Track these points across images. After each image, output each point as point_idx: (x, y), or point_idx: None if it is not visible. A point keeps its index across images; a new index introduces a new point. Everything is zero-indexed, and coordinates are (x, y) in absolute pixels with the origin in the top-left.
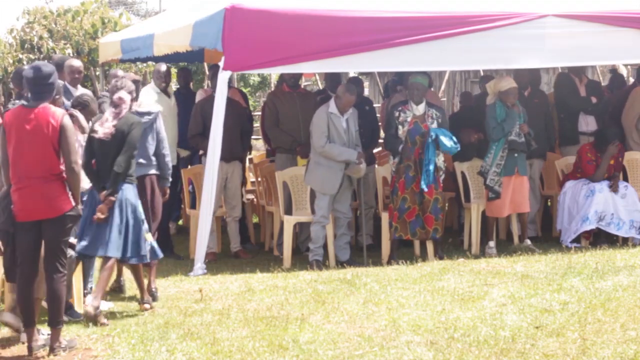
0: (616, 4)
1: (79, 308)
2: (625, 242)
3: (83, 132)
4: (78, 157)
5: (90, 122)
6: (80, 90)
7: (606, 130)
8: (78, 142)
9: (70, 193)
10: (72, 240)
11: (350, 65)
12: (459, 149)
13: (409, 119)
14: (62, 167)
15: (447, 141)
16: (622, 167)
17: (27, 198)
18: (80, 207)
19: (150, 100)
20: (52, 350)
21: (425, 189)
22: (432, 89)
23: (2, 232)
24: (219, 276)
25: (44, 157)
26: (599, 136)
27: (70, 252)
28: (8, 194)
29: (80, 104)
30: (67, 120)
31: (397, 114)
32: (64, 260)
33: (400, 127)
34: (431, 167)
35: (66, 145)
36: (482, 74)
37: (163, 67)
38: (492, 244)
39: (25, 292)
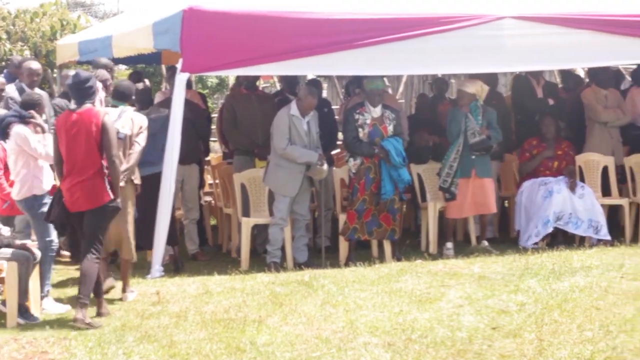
0: (575, 6)
1: (35, 311)
2: (582, 243)
3: (43, 131)
4: (119, 152)
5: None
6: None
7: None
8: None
9: (109, 186)
10: (31, 242)
11: (309, 67)
12: (404, 165)
13: (368, 122)
14: (104, 162)
15: (396, 156)
16: (579, 168)
17: (75, 192)
18: (119, 200)
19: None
20: (84, 323)
21: (385, 198)
22: (390, 91)
23: (57, 222)
24: (177, 278)
25: (88, 154)
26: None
27: (28, 254)
28: (60, 189)
29: (33, 104)
30: (108, 119)
31: (356, 116)
32: (99, 245)
33: (360, 129)
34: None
35: (107, 141)
36: (439, 76)
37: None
38: (449, 245)
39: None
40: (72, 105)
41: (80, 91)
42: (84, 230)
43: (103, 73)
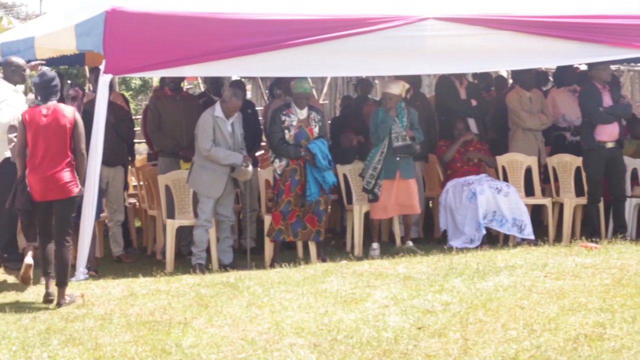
0: (499, 7)
1: None
2: (505, 242)
3: None
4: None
5: None
6: None
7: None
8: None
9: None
10: None
11: (232, 69)
12: (330, 168)
13: (294, 123)
14: (71, 155)
15: (322, 160)
16: (503, 169)
17: (48, 183)
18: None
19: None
20: (58, 304)
21: (310, 200)
22: (315, 92)
23: (22, 210)
24: (101, 281)
25: (61, 147)
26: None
27: None
28: (23, 179)
29: None
30: (78, 115)
31: (282, 118)
32: (70, 232)
33: (286, 131)
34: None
35: (78, 135)
36: (363, 77)
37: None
38: (375, 245)
39: (46, 249)
40: (38, 101)
41: (47, 89)
42: (56, 220)
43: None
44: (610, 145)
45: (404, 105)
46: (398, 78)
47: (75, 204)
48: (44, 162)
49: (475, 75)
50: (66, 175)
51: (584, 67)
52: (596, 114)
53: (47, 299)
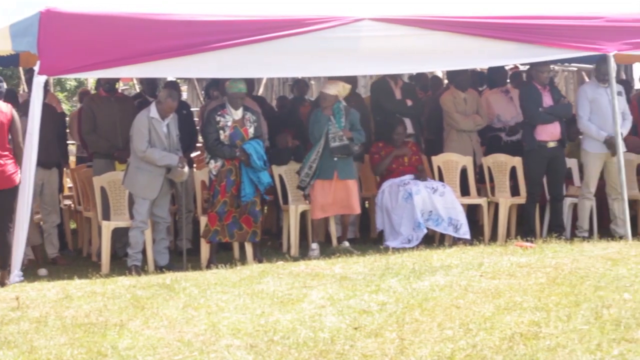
0: (434, 8)
1: None
2: (441, 242)
3: None
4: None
5: None
6: None
7: (394, 128)
8: None
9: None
10: None
11: (168, 69)
12: (266, 168)
13: (229, 124)
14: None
15: (257, 160)
16: (439, 169)
17: None
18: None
19: None
20: (2, 284)
21: (245, 201)
22: None
23: None
24: (36, 283)
25: (2, 141)
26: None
27: None
28: None
29: None
30: (15, 112)
31: (217, 118)
32: (13, 218)
33: (221, 131)
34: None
35: (16, 130)
36: (300, 77)
37: None
38: (314, 246)
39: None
40: None
41: None
42: (3, 209)
43: None
44: (552, 144)
45: (343, 106)
46: (335, 79)
47: (17, 193)
48: None
49: (411, 75)
50: (11, 166)
51: (523, 68)
52: (535, 115)
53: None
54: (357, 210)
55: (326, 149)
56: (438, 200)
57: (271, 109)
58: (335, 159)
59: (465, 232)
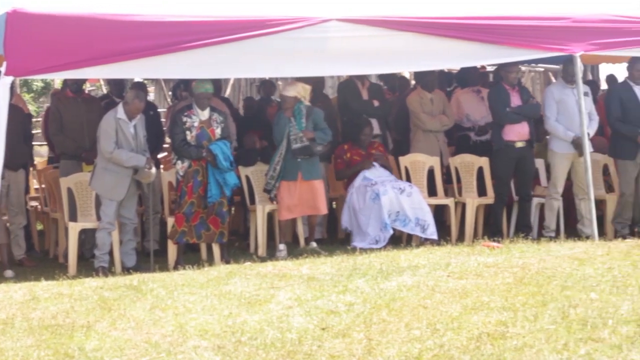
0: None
1: None
2: (409, 242)
3: None
4: None
5: None
6: None
7: (360, 131)
8: None
9: None
10: None
11: (135, 70)
12: (232, 169)
13: (195, 124)
14: None
15: (224, 161)
16: (406, 169)
17: None
18: None
19: None
20: None
21: (212, 201)
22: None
23: None
24: (3, 285)
25: None
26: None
27: None
28: None
29: None
30: None
31: (184, 119)
32: None
33: (188, 132)
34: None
35: None
36: (267, 78)
37: None
38: (282, 247)
39: None
40: None
41: None
42: None
43: None
44: (520, 144)
45: (304, 107)
46: (301, 79)
47: None
48: None
49: (380, 76)
50: None
51: (490, 69)
52: (502, 115)
53: None
54: (323, 210)
55: (289, 151)
56: (405, 200)
57: (236, 111)
58: (299, 160)
59: (432, 232)
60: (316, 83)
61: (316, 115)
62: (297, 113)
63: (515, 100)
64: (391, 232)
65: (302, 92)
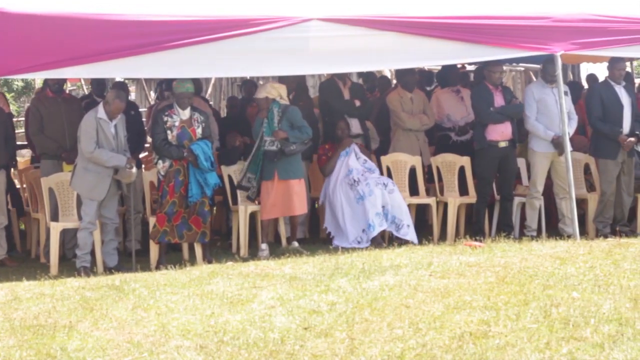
0: (382, 8)
1: None
2: (391, 242)
3: None
4: None
5: None
6: None
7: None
8: None
9: None
10: None
11: (116, 70)
12: (213, 169)
13: (176, 124)
14: None
15: (205, 161)
16: (387, 169)
17: None
18: None
19: None
20: None
21: (192, 201)
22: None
23: None
24: None
25: None
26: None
27: None
28: None
29: None
30: None
31: (165, 118)
32: None
33: (169, 131)
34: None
35: None
36: (248, 78)
37: None
38: (264, 246)
39: None
40: None
41: None
42: None
43: None
44: (502, 144)
45: (276, 107)
46: (282, 79)
47: None
48: None
49: (361, 75)
50: None
51: (470, 68)
52: (485, 114)
53: None
54: (299, 211)
55: (259, 151)
56: (387, 197)
57: (215, 110)
58: (275, 159)
59: (405, 233)
60: (298, 83)
61: (291, 113)
62: (270, 114)
63: (499, 100)
64: (374, 233)
65: (273, 91)
